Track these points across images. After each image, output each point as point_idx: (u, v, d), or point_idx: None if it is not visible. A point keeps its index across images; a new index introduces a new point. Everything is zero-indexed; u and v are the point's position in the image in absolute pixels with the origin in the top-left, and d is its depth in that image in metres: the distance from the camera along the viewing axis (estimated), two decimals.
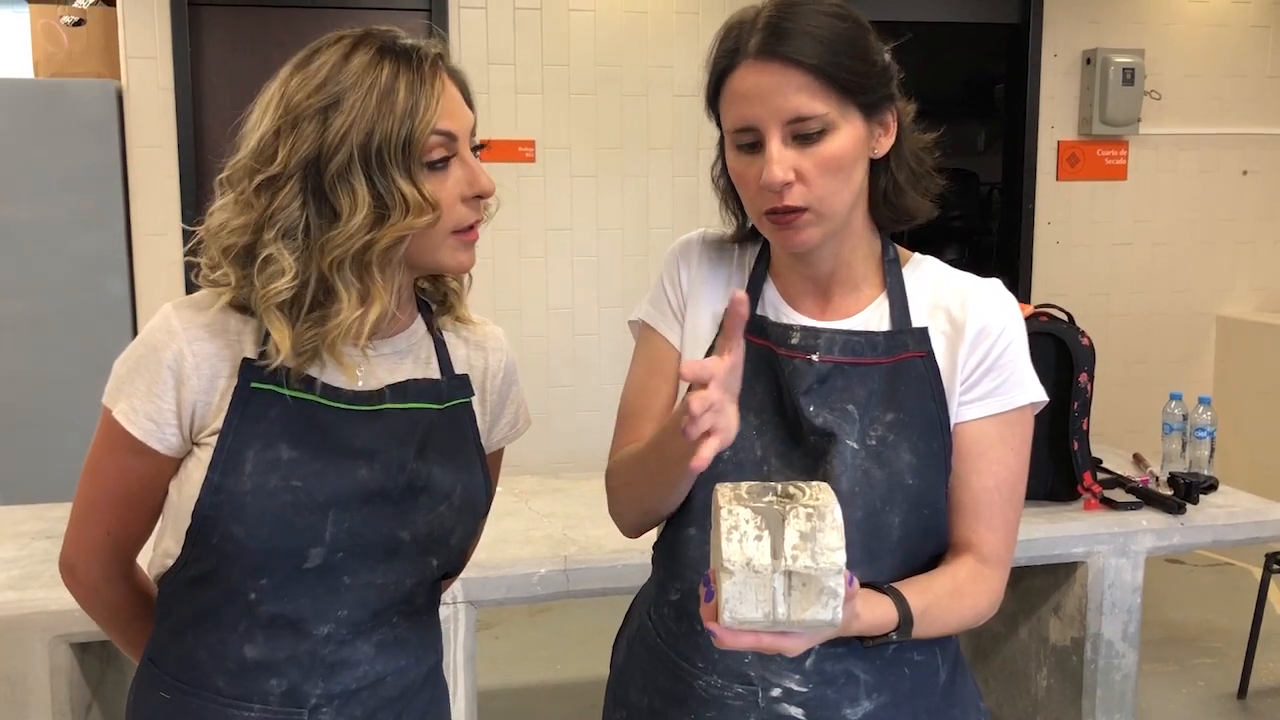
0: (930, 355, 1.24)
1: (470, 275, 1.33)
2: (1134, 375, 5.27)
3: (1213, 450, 2.95)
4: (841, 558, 0.94)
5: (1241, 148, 5.38)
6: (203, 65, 4.37)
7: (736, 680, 1.24)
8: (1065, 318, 2.67)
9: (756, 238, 1.34)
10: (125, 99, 4.24)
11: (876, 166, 1.24)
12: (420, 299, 1.34)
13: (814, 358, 1.25)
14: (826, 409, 1.23)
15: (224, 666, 1.22)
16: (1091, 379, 2.61)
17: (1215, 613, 4.12)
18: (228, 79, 4.38)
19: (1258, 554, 3.56)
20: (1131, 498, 2.69)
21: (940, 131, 1.31)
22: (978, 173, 6.51)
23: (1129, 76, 5.06)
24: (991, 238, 5.65)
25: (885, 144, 1.23)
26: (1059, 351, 2.58)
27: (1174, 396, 3.03)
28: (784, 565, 0.93)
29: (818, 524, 0.94)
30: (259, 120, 1.17)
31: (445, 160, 1.18)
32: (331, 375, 1.21)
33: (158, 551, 1.25)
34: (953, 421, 1.23)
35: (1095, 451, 2.78)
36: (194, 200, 4.24)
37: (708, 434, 1.02)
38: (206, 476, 1.16)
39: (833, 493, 0.98)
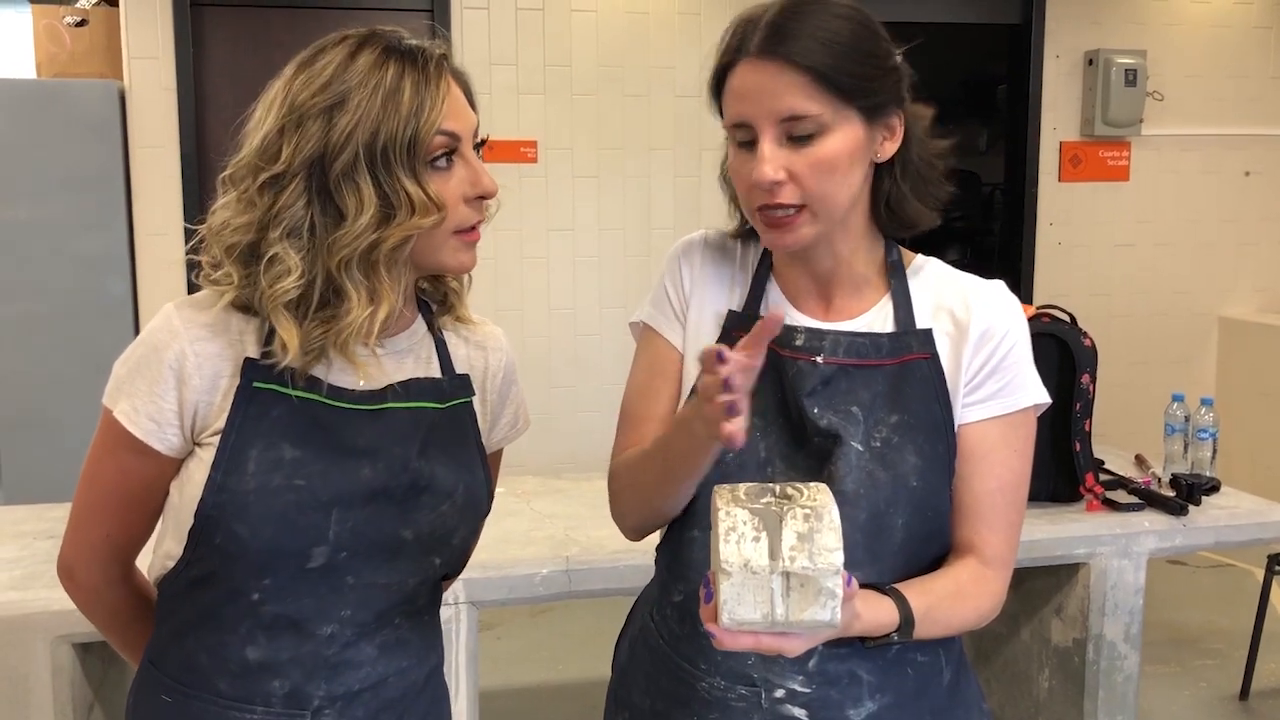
0: (935, 357, 1.24)
1: (470, 275, 1.33)
2: (1136, 376, 5.26)
3: (1215, 451, 2.94)
4: (839, 558, 0.94)
5: (1244, 149, 5.38)
6: (205, 65, 4.37)
7: (739, 682, 1.24)
8: (1067, 318, 2.67)
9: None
10: (127, 99, 4.24)
11: (881, 170, 1.24)
12: (420, 299, 1.34)
13: (818, 359, 1.24)
14: (831, 411, 1.22)
15: (226, 668, 1.22)
16: (1094, 380, 2.61)
17: (1217, 614, 4.12)
18: (230, 79, 4.38)
19: (1260, 555, 3.55)
20: (1134, 499, 2.68)
21: (947, 134, 1.30)
22: (980, 173, 6.50)
23: (1131, 77, 5.06)
24: (993, 238, 5.65)
25: (890, 148, 1.22)
26: (1061, 352, 2.57)
27: (1176, 398, 3.02)
28: (782, 566, 0.94)
29: (815, 525, 0.95)
30: (262, 118, 1.17)
31: (449, 161, 1.18)
32: (335, 374, 1.21)
33: (158, 553, 1.25)
34: (956, 423, 1.23)
35: (1097, 453, 2.78)
36: (196, 200, 4.25)
37: (731, 415, 1.02)
38: (209, 476, 1.16)
39: (830, 494, 0.98)
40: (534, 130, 4.64)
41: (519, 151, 4.62)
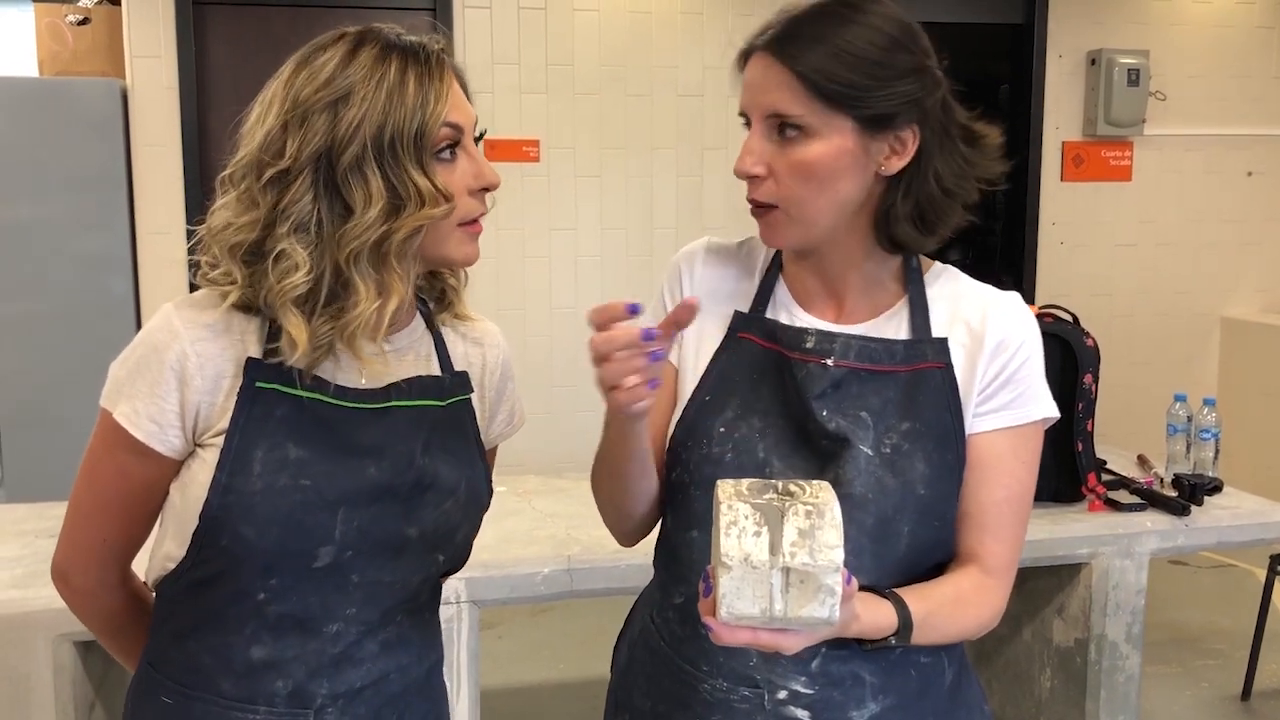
0: (949, 366, 1.23)
1: (466, 272, 1.34)
2: (1138, 376, 5.26)
3: (1217, 451, 2.94)
4: (840, 556, 0.94)
5: (1246, 149, 5.37)
6: (207, 64, 4.38)
7: (742, 683, 1.24)
8: (1070, 318, 2.66)
9: None
10: (130, 98, 4.25)
11: (891, 184, 1.21)
12: (417, 296, 1.34)
13: (828, 362, 1.23)
14: (840, 414, 1.22)
15: (230, 669, 1.21)
16: (1096, 380, 2.61)
17: (1219, 614, 4.12)
18: (232, 78, 4.38)
19: (1262, 555, 3.55)
20: (1136, 499, 2.68)
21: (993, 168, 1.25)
22: None
23: (1134, 77, 5.06)
24: (996, 238, 5.64)
25: (896, 163, 1.19)
26: (1064, 353, 2.57)
27: (1178, 398, 3.02)
28: (782, 562, 0.94)
29: (817, 522, 0.95)
30: (262, 116, 1.17)
31: (452, 153, 1.19)
32: (338, 373, 1.21)
33: (157, 555, 1.24)
34: (967, 433, 1.23)
35: (1099, 453, 2.78)
36: (198, 199, 4.25)
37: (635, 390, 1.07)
38: (214, 477, 1.15)
39: (833, 491, 0.98)
40: (536, 129, 4.64)
41: (521, 151, 4.62)
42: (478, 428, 1.34)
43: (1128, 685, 2.64)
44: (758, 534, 0.94)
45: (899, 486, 1.20)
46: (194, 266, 1.22)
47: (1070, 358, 2.57)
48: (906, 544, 1.21)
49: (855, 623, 1.06)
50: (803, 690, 1.23)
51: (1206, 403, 2.98)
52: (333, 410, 1.20)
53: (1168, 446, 2.99)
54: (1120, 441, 3.46)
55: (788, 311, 1.30)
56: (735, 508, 0.96)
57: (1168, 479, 2.86)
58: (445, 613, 2.12)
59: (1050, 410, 1.26)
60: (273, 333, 1.18)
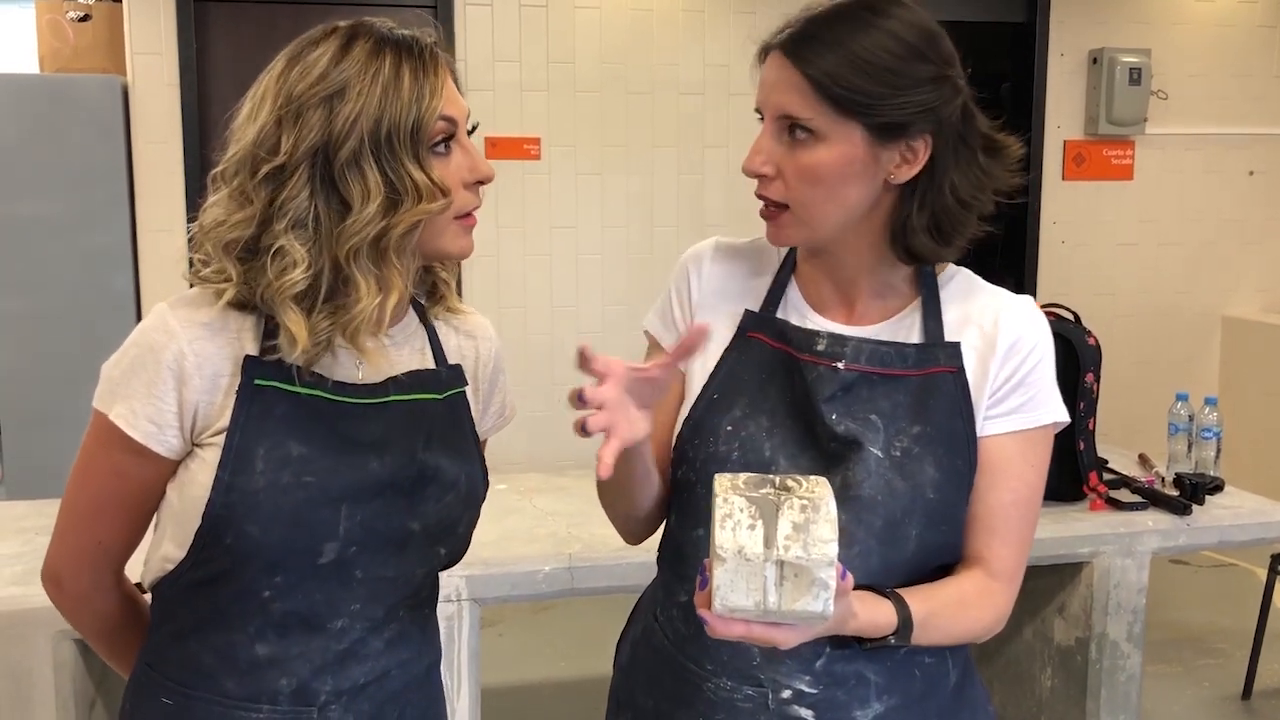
0: (961, 371, 1.23)
1: (459, 265, 1.33)
2: (1139, 375, 5.26)
3: (1219, 451, 2.94)
4: (833, 550, 0.94)
5: (1248, 148, 5.37)
6: (208, 61, 4.37)
7: (746, 682, 1.24)
8: (1072, 317, 2.66)
9: None
10: (130, 95, 4.24)
11: (904, 193, 1.20)
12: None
13: (839, 365, 1.23)
14: (849, 417, 1.21)
15: (234, 668, 1.21)
16: (1098, 379, 2.60)
17: (1220, 614, 4.11)
18: (233, 75, 4.38)
19: (1263, 555, 3.55)
20: (1137, 498, 2.68)
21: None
22: None
23: (1135, 76, 5.06)
24: (997, 237, 5.65)
25: (907, 172, 1.18)
26: (1065, 351, 2.57)
27: (1180, 397, 3.02)
28: (776, 555, 0.94)
29: (811, 515, 0.95)
30: (254, 112, 1.16)
31: (447, 147, 1.19)
32: (335, 369, 1.21)
33: (154, 557, 1.23)
34: (978, 436, 1.23)
35: (1101, 452, 2.77)
36: (199, 196, 4.24)
37: (607, 436, 1.05)
38: (216, 476, 1.15)
39: (829, 487, 0.99)
40: (537, 127, 4.64)
41: (522, 148, 4.62)
42: (473, 421, 1.34)
43: (1128, 684, 2.63)
44: (752, 527, 0.95)
45: (908, 490, 1.19)
46: (191, 264, 1.22)
47: (1072, 357, 2.57)
48: (915, 547, 1.20)
49: (852, 620, 1.06)
50: (807, 690, 1.22)
51: (1208, 402, 2.98)
52: (332, 406, 1.20)
53: (1169, 446, 2.99)
54: (1121, 440, 3.46)
55: (799, 313, 1.29)
56: (731, 500, 0.96)
57: (1169, 478, 2.86)
58: (446, 610, 2.12)
59: (1061, 415, 1.26)
60: (269, 330, 1.17)
